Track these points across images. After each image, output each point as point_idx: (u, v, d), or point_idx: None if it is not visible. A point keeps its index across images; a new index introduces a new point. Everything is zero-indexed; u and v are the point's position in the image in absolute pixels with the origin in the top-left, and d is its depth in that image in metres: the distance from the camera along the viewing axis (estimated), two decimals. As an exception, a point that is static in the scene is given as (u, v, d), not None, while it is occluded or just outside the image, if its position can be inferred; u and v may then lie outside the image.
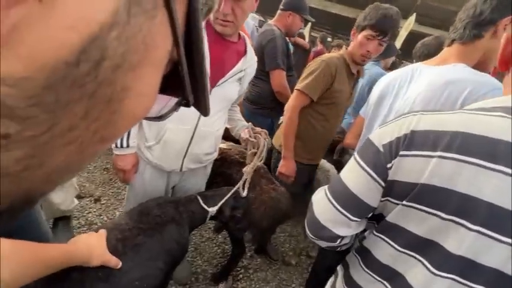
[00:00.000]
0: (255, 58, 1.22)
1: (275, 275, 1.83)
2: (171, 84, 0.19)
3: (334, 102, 1.47)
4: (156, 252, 0.93)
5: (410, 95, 0.96)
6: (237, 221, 1.32)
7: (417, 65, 1.05)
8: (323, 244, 0.63)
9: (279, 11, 1.94)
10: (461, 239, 0.44)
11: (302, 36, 5.03)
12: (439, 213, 0.45)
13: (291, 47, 2.20)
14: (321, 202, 0.60)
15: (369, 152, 0.53)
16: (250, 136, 1.26)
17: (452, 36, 0.95)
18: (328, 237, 0.59)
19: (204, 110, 0.23)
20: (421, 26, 6.94)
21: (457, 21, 0.94)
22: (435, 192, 0.45)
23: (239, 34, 1.15)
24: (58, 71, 0.10)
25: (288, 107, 1.48)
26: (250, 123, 1.36)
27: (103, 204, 2.01)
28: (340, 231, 0.57)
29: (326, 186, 0.63)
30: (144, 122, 1.10)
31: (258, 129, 1.33)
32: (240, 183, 1.27)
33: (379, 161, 0.51)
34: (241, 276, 1.77)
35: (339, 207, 0.56)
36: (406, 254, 0.51)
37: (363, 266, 0.60)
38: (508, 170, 0.39)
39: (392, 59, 2.75)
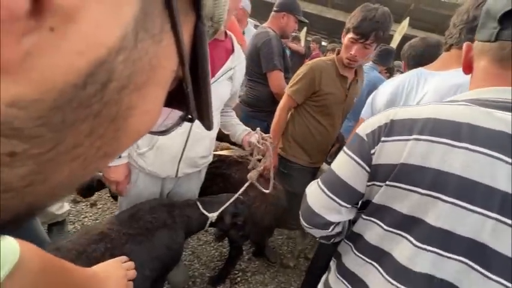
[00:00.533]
0: (243, 55, 1.21)
1: (273, 277, 1.82)
2: (175, 98, 0.19)
3: (324, 104, 1.49)
4: (143, 260, 0.90)
5: (419, 100, 1.03)
6: (239, 228, 1.30)
7: (421, 71, 1.11)
8: (317, 233, 0.68)
9: (272, 13, 1.95)
10: (439, 212, 0.48)
11: (298, 39, 5.08)
12: (417, 189, 0.50)
13: (288, 51, 2.23)
14: (314, 192, 0.65)
15: (355, 143, 0.59)
16: (258, 142, 1.26)
17: (449, 41, 1.02)
18: (321, 224, 0.64)
19: (207, 125, 0.23)
20: (414, 29, 7.05)
21: (451, 26, 1.01)
22: (412, 170, 0.50)
23: (225, 33, 1.14)
24: (66, 94, 0.10)
25: (278, 107, 1.60)
26: (258, 128, 1.33)
27: (99, 208, 1.99)
28: (331, 217, 0.63)
29: (318, 178, 0.67)
30: None
31: (266, 135, 1.32)
32: (242, 190, 1.26)
33: (364, 149, 0.57)
34: (239, 279, 1.75)
35: (330, 194, 0.62)
36: (393, 232, 0.55)
37: (355, 251, 0.63)
38: (472, 147, 0.46)
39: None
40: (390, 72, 3.18)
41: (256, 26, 5.69)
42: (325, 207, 0.63)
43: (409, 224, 0.52)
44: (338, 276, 0.65)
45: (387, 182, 0.54)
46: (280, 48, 1.88)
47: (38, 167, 0.11)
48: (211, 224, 1.24)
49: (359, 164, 0.58)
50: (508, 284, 0.45)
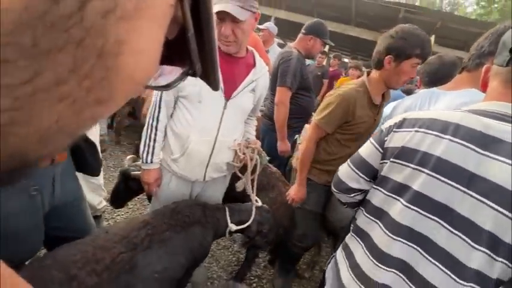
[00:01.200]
0: (266, 68, 1.30)
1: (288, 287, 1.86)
2: (177, 53, 0.18)
3: (356, 132, 1.43)
4: (180, 248, 1.02)
5: None
6: (264, 235, 1.38)
7: (434, 90, 1.23)
8: (342, 198, 0.92)
9: (300, 35, 2.10)
10: (422, 181, 0.67)
11: (326, 54, 5.22)
12: (409, 164, 0.70)
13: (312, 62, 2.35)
14: (343, 167, 0.91)
15: (377, 133, 0.83)
16: (239, 149, 1.26)
17: (462, 65, 1.16)
18: (345, 189, 0.89)
19: (213, 83, 0.22)
20: (441, 46, 6.94)
21: (468, 53, 1.13)
22: (409, 151, 0.70)
23: (247, 49, 1.24)
24: (34, 6, 0.09)
25: (306, 137, 1.52)
26: (255, 139, 1.38)
27: (130, 208, 2.18)
28: (352, 184, 0.87)
29: (349, 159, 0.91)
30: (170, 136, 1.22)
31: (253, 144, 1.32)
32: (254, 200, 1.34)
33: (380, 137, 0.80)
34: (254, 285, 1.81)
35: (353, 167, 0.87)
36: (390, 196, 0.75)
37: (365, 212, 0.82)
38: (453, 139, 0.64)
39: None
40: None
41: (281, 45, 5.94)
42: (348, 177, 0.87)
43: (401, 190, 0.71)
44: (352, 234, 0.84)
45: (391, 159, 0.74)
46: (298, 68, 1.98)
47: (17, 102, 0.10)
48: (239, 231, 1.32)
49: (375, 147, 0.81)
50: (467, 239, 0.61)
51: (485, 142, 0.62)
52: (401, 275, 0.69)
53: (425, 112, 0.74)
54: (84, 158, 0.96)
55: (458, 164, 0.63)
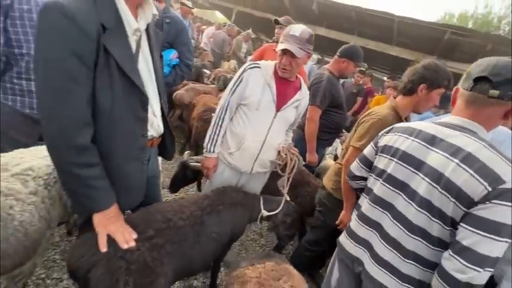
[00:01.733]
0: (307, 92, 1.69)
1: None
2: None
3: None
4: (227, 220, 1.32)
5: None
6: (287, 227, 1.62)
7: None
8: (353, 185, 1.29)
9: (335, 57, 2.35)
10: (393, 167, 1.01)
11: (363, 72, 5.27)
12: (389, 156, 1.03)
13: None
14: (354, 163, 1.27)
15: (376, 139, 1.16)
16: (282, 150, 1.57)
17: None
18: (352, 177, 1.26)
19: None
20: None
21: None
22: (388, 147, 1.05)
23: (296, 76, 1.62)
24: None
25: (343, 162, 1.56)
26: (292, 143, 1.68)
27: (177, 195, 2.56)
28: (356, 172, 1.23)
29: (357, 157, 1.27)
30: (228, 135, 1.57)
31: (293, 149, 1.60)
32: (285, 196, 1.62)
33: (376, 139, 1.15)
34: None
35: (358, 161, 1.23)
36: (376, 179, 1.09)
37: (363, 193, 1.17)
38: (415, 139, 0.97)
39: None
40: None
41: (320, 60, 6.10)
42: (355, 168, 1.24)
43: (381, 174, 1.05)
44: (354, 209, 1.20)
45: (379, 153, 1.09)
46: (328, 89, 2.23)
47: None
48: (267, 218, 1.60)
49: (372, 146, 1.16)
50: (414, 205, 0.91)
51: (434, 141, 0.92)
52: (375, 232, 1.05)
53: (407, 123, 1.10)
54: (165, 145, 1.30)
55: (415, 155, 0.96)
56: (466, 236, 0.79)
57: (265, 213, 1.57)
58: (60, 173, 0.89)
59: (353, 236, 1.15)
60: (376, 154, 1.12)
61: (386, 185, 1.02)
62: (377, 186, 1.07)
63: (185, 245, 1.07)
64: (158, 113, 1.11)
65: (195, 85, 3.91)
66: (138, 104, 0.96)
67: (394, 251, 0.97)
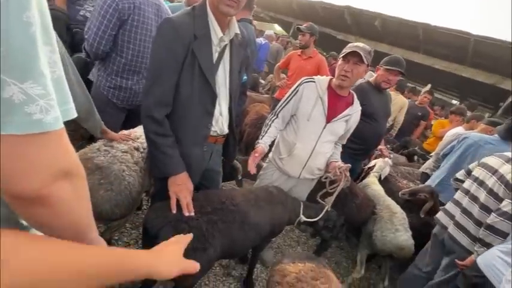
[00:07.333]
0: (359, 108, 1.73)
1: None
2: None
3: None
4: (268, 215, 1.45)
5: None
6: (329, 230, 1.72)
7: None
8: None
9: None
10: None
11: (413, 91, 4.86)
12: None
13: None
14: None
15: None
16: (338, 169, 1.58)
17: None
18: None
19: None
20: None
21: None
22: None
23: (349, 92, 1.69)
24: None
25: None
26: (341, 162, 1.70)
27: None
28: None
29: None
30: (280, 141, 1.71)
31: (343, 167, 1.59)
32: (328, 206, 1.68)
33: None
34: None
35: None
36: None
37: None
38: None
39: None
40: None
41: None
42: None
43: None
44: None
45: None
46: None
47: None
48: (309, 224, 1.68)
49: None
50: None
51: None
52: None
53: None
54: (228, 147, 1.48)
55: None
56: None
57: (303, 218, 1.65)
58: (146, 139, 1.19)
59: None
60: None
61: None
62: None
63: (232, 227, 1.25)
64: (225, 114, 1.32)
65: (251, 93, 4.19)
66: (209, 99, 1.19)
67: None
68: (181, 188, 1.17)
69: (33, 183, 0.37)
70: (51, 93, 0.36)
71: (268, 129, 1.69)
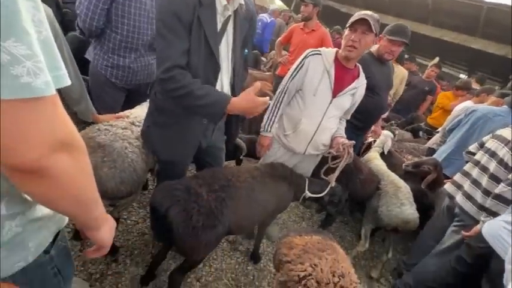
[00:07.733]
0: (365, 81, 1.67)
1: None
2: None
3: None
4: (273, 191, 1.45)
5: None
6: (335, 205, 1.74)
7: None
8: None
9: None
10: None
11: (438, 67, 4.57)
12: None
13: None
14: None
15: None
16: (342, 145, 1.55)
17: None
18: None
19: None
20: None
21: None
22: None
23: (355, 64, 1.62)
24: None
25: None
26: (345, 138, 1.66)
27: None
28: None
29: None
30: (285, 118, 1.67)
31: (347, 143, 1.56)
32: (332, 182, 1.68)
33: None
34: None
35: None
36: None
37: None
38: None
39: None
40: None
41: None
42: None
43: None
44: None
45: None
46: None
47: None
48: (315, 200, 1.68)
49: None
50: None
51: None
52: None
53: None
54: (231, 125, 1.46)
55: None
56: None
57: (308, 194, 1.66)
58: (179, 103, 1.14)
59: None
60: None
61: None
62: None
63: (239, 204, 1.26)
64: (226, 87, 1.27)
65: (252, 71, 4.08)
66: (212, 70, 1.15)
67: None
68: (246, 103, 1.13)
69: (30, 153, 0.36)
70: (38, 54, 0.33)
71: (276, 113, 1.65)
